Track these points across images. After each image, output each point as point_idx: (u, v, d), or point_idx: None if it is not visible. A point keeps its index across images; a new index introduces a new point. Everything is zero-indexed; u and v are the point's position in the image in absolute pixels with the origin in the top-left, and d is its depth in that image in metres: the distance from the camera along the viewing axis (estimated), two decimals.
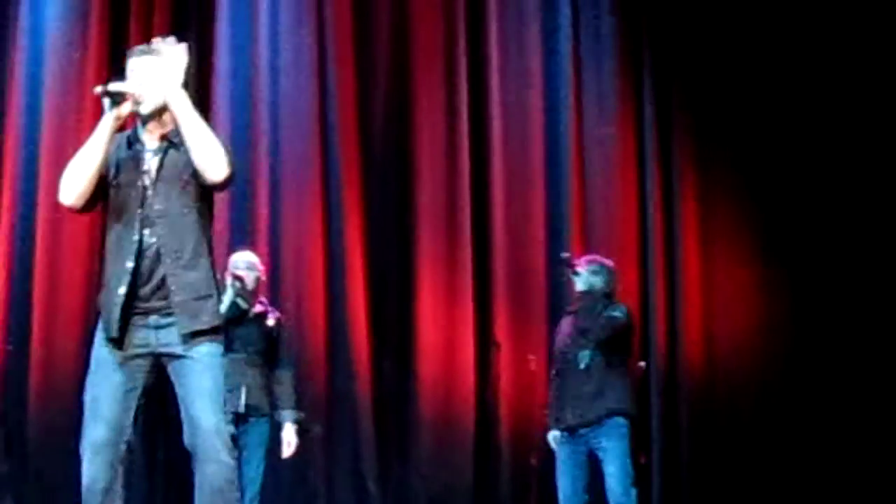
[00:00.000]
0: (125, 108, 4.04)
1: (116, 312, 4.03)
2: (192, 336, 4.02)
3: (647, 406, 7.59)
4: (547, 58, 8.17)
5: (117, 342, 4.05)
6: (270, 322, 6.31)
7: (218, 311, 4.12)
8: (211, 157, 3.99)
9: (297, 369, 6.56)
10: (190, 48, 4.19)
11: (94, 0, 7.89)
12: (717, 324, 7.91)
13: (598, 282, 6.28)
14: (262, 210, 7.91)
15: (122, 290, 4.02)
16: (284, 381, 6.33)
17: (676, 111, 8.07)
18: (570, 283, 6.42)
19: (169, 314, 4.04)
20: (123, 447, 4.06)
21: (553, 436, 6.29)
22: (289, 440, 6.31)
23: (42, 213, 7.72)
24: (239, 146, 7.24)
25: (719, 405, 7.80)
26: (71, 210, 4.13)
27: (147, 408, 4.18)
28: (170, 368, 4.08)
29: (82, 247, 7.68)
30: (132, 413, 4.07)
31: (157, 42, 4.16)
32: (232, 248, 7.71)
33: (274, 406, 6.27)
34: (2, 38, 7.92)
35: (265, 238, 7.88)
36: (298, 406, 6.39)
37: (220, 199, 7.13)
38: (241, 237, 7.78)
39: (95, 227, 7.06)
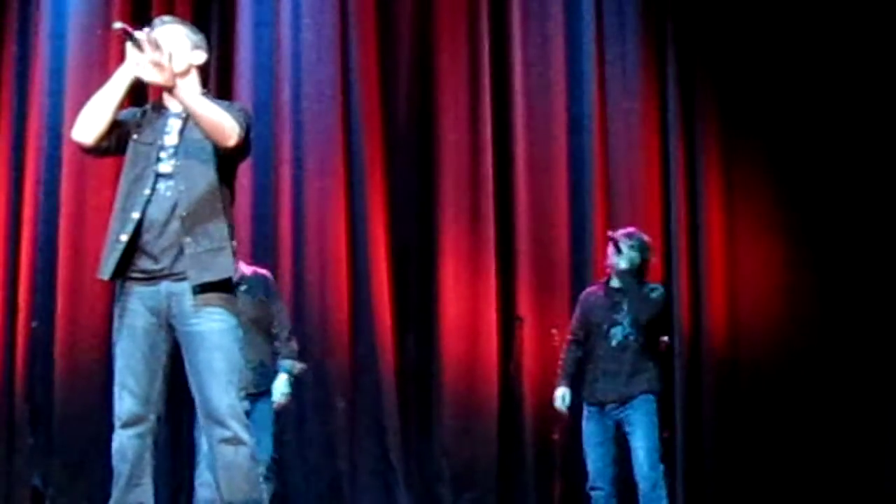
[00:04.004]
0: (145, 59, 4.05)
1: (114, 257, 4.05)
2: (203, 291, 4.01)
3: (671, 381, 7.57)
4: (570, 31, 8.12)
5: (127, 296, 4.05)
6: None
7: (230, 266, 4.09)
8: (214, 130, 4.02)
9: (295, 322, 6.52)
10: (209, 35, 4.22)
11: None
12: (740, 298, 7.87)
13: (636, 258, 6.28)
14: (285, 186, 7.91)
15: (125, 237, 4.04)
16: (281, 336, 6.33)
17: (700, 85, 8.01)
18: (599, 257, 6.39)
19: (180, 279, 4.03)
20: (153, 418, 4.05)
21: (562, 393, 6.30)
22: (278, 388, 6.26)
23: (66, 194, 7.76)
24: (261, 123, 7.25)
25: (743, 380, 7.77)
26: (80, 148, 4.16)
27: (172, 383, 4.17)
28: (181, 342, 4.07)
29: (106, 224, 7.67)
30: (158, 384, 4.07)
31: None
32: (255, 226, 7.76)
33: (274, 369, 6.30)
34: (23, 36, 7.96)
35: (288, 214, 7.88)
36: (297, 357, 6.41)
37: (244, 175, 7.20)
38: (264, 214, 7.81)
39: None
